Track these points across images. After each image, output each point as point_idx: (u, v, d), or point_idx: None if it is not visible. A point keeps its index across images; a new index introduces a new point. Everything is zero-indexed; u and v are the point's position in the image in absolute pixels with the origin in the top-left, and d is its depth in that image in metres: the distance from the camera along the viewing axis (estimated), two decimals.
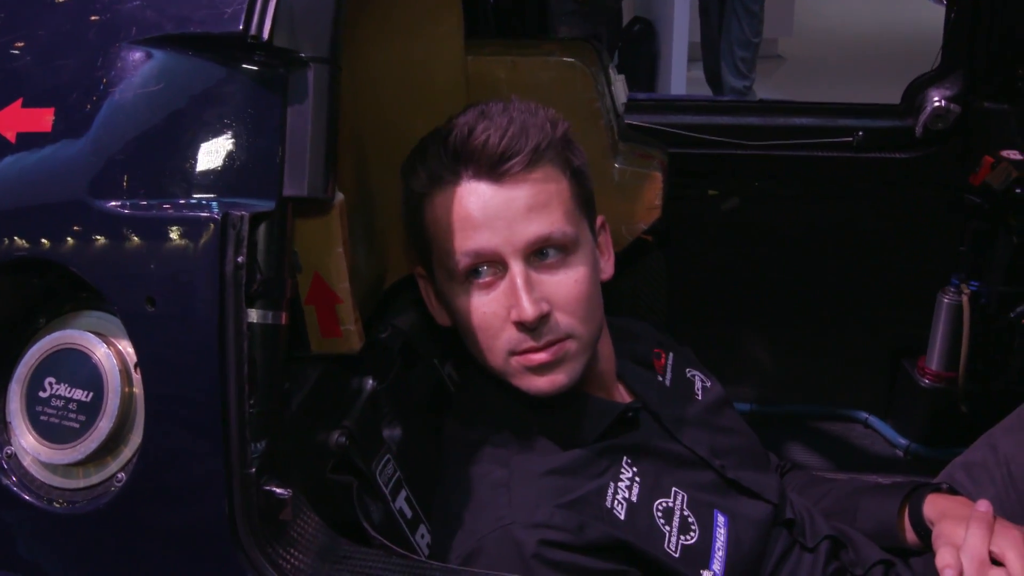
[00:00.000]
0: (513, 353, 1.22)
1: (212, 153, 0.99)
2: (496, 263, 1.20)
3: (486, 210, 1.19)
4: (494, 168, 1.19)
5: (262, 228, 0.99)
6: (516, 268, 1.19)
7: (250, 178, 0.99)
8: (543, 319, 1.19)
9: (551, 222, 1.20)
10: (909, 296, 2.23)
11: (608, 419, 1.29)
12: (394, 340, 1.40)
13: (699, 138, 2.09)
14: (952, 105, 2.03)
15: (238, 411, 0.96)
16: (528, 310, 1.17)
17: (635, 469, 1.27)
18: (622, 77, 1.68)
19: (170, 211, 0.97)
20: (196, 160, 0.99)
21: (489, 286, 1.21)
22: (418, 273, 1.36)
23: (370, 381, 1.29)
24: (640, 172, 1.61)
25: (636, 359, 1.47)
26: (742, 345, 2.37)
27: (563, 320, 1.21)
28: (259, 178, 0.99)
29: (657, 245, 1.77)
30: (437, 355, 1.51)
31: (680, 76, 5.52)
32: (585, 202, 1.29)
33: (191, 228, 0.96)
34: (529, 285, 1.19)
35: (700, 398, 1.48)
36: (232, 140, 0.99)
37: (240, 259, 0.95)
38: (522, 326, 1.19)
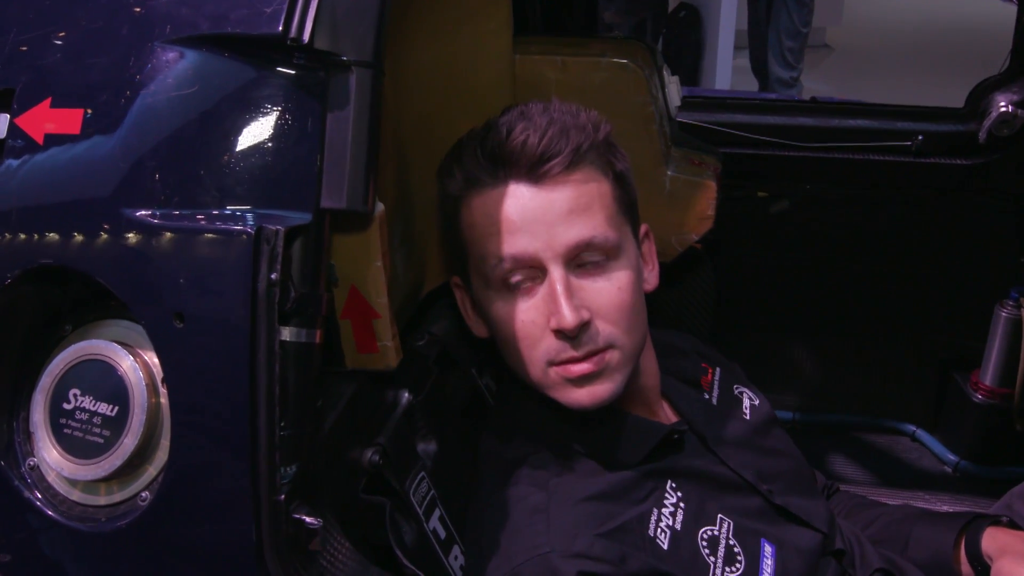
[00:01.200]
0: (552, 363, 1.17)
1: (247, 161, 0.94)
2: (535, 268, 1.16)
3: (524, 213, 1.15)
4: (533, 170, 1.15)
5: (298, 242, 0.94)
6: (556, 273, 1.15)
7: (286, 188, 0.94)
8: (583, 327, 1.14)
9: (593, 226, 1.16)
10: (964, 307, 2.17)
11: (653, 441, 1.24)
12: (431, 349, 1.36)
13: (749, 138, 2.02)
14: (1020, 111, 1.95)
15: (268, 435, 0.91)
16: (568, 317, 1.12)
17: (679, 494, 1.22)
18: (676, 79, 1.61)
19: (202, 222, 0.93)
20: (230, 168, 0.94)
21: (527, 293, 1.17)
22: (454, 283, 1.31)
23: (406, 394, 1.25)
24: (693, 181, 1.55)
25: (681, 376, 1.42)
26: (786, 351, 2.32)
27: (604, 329, 1.16)
28: (296, 188, 0.94)
29: (706, 254, 1.71)
30: (475, 364, 1.47)
31: (726, 65, 5.43)
32: (628, 208, 1.24)
33: (223, 241, 0.91)
34: (569, 291, 1.14)
35: (748, 417, 1.42)
36: (268, 147, 0.94)
37: (274, 276, 0.90)
38: (561, 334, 1.15)
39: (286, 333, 0.93)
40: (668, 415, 1.35)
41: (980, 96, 2.01)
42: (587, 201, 1.16)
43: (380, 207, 1.02)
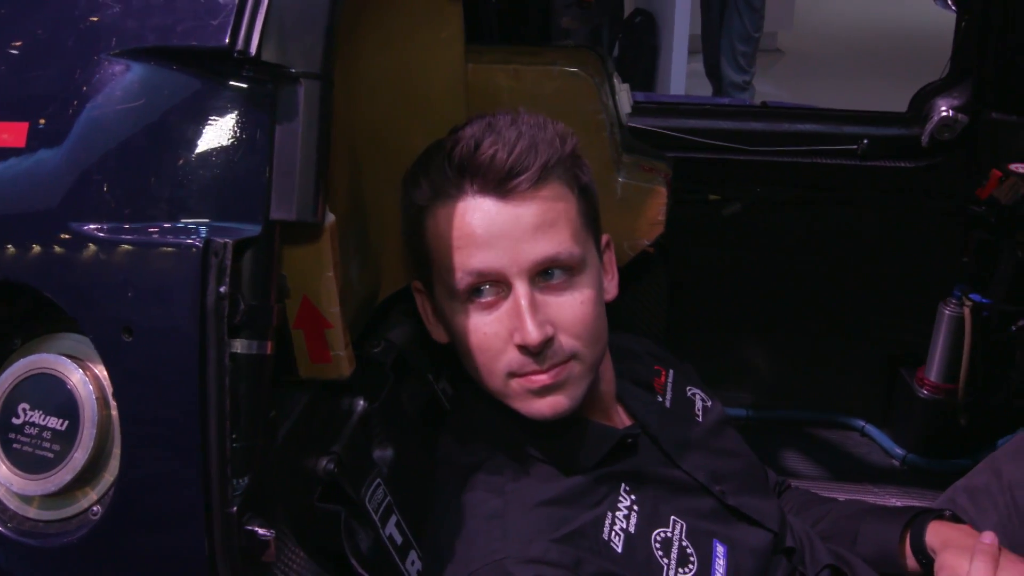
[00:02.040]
0: (513, 375, 1.16)
1: (195, 174, 0.92)
2: (499, 283, 1.15)
3: (491, 228, 1.13)
4: (501, 184, 1.13)
5: (248, 254, 0.92)
6: (521, 289, 1.13)
7: (235, 201, 0.92)
8: (547, 343, 1.14)
9: (558, 242, 1.15)
10: (909, 306, 2.19)
11: (607, 445, 1.24)
12: (387, 355, 1.35)
13: (701, 142, 2.03)
14: (960, 115, 1.97)
15: (219, 447, 0.89)
16: (532, 334, 1.12)
17: (633, 497, 1.22)
18: (626, 86, 1.61)
19: (149, 235, 0.90)
20: (178, 181, 0.92)
21: (491, 306, 1.16)
22: (415, 288, 1.30)
23: (361, 402, 1.24)
24: (644, 187, 1.55)
25: (635, 379, 1.42)
26: (739, 350, 2.33)
27: (567, 343, 1.16)
28: (245, 201, 0.92)
29: (658, 257, 1.71)
30: (431, 370, 1.45)
31: (680, 69, 5.45)
32: (592, 221, 1.24)
33: (171, 255, 0.89)
34: (534, 307, 1.13)
35: (701, 419, 1.43)
36: (216, 160, 0.92)
37: (222, 289, 0.88)
38: (525, 350, 1.14)
39: (236, 345, 0.92)
40: (623, 419, 1.35)
41: (923, 101, 2.04)
42: (553, 217, 1.15)
43: (331, 217, 1.01)
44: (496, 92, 1.46)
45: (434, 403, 1.44)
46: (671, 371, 1.50)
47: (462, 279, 1.15)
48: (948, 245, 2.10)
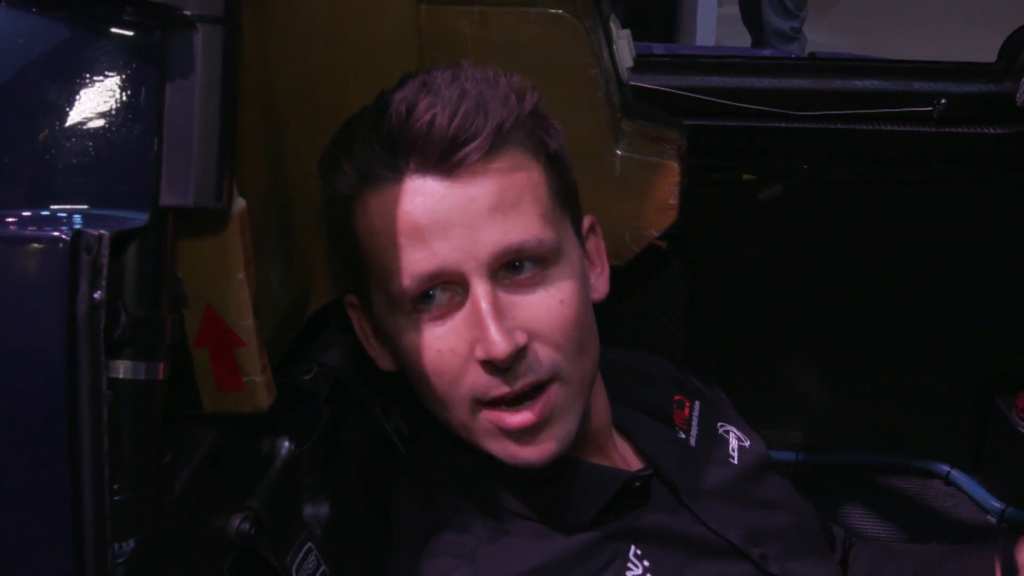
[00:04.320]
0: (480, 403, 1.18)
1: (62, 148, 0.94)
2: (453, 284, 1.16)
3: (437, 215, 1.15)
4: (444, 158, 1.15)
5: (130, 250, 0.94)
6: (480, 289, 1.15)
7: (114, 182, 0.94)
8: (519, 355, 1.15)
9: (524, 226, 1.16)
10: (1006, 315, 2.21)
11: (608, 493, 1.25)
12: (321, 384, 1.37)
13: (730, 106, 2.05)
14: None
15: (95, 501, 0.90)
16: (499, 344, 1.13)
17: (647, 564, 1.23)
18: (627, 33, 1.62)
19: (5, 227, 0.91)
20: (39, 158, 0.93)
21: (444, 316, 1.17)
22: (349, 303, 1.31)
23: (286, 443, 1.26)
24: (650, 161, 1.56)
25: (647, 409, 1.43)
26: (783, 376, 2.35)
27: (545, 355, 1.17)
28: (127, 182, 0.94)
29: (673, 254, 1.73)
30: (379, 402, 1.47)
31: (710, 13, 5.48)
32: (566, 197, 1.25)
33: (30, 252, 0.90)
34: (498, 311, 1.14)
35: (736, 462, 1.44)
36: (90, 130, 0.94)
37: (97, 295, 0.89)
38: (491, 366, 1.15)
39: (117, 368, 0.93)
40: (626, 458, 1.37)
41: (1016, 48, 2.05)
42: (515, 195, 1.17)
43: (240, 203, 1.03)
44: (457, 41, 1.47)
45: (384, 444, 1.46)
46: (697, 403, 1.52)
47: (407, 284, 1.16)
48: None
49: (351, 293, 1.30)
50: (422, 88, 1.17)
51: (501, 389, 1.16)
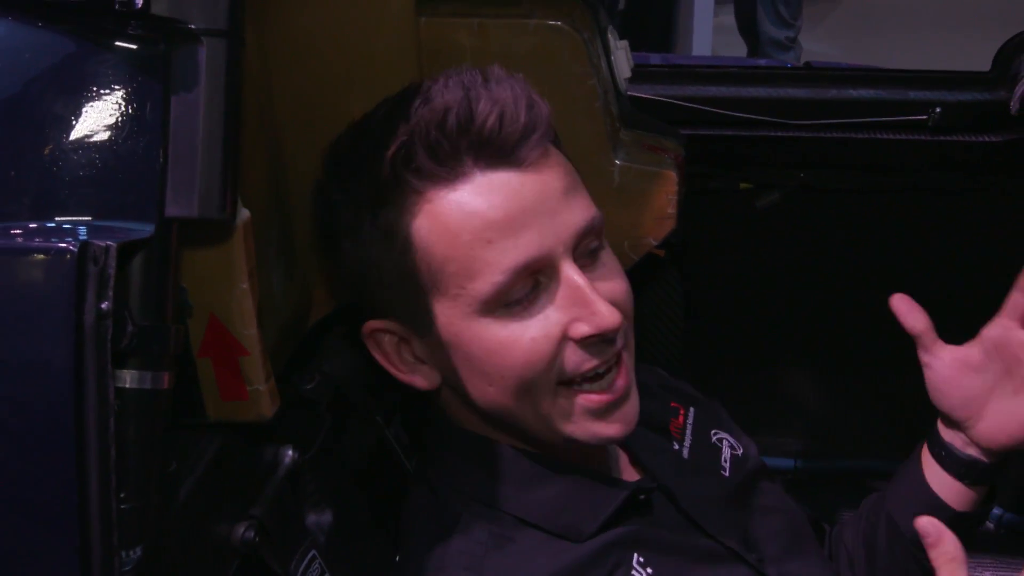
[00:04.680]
0: (563, 383, 1.20)
1: (68, 160, 0.94)
2: (539, 272, 1.18)
3: (520, 205, 1.17)
4: (514, 151, 1.17)
5: (136, 261, 0.94)
6: (570, 270, 1.18)
7: (120, 194, 0.95)
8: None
9: (587, 204, 1.23)
10: None
11: (613, 503, 1.27)
12: (322, 393, 1.38)
13: (727, 115, 2.06)
14: None
15: (102, 509, 0.91)
16: (609, 316, 1.17)
17: (649, 570, 1.24)
18: (625, 44, 1.63)
19: (10, 239, 0.92)
20: (45, 170, 0.94)
21: (529, 306, 1.19)
22: (372, 330, 1.28)
23: (289, 452, 1.26)
24: (648, 171, 1.57)
25: (648, 420, 1.43)
26: (782, 386, 2.35)
27: (624, 323, 1.22)
28: (133, 193, 0.95)
29: (671, 262, 1.73)
30: (380, 411, 1.47)
31: (706, 23, 5.50)
32: None
33: (37, 263, 0.90)
34: (593, 286, 1.19)
35: (728, 473, 1.45)
36: (95, 143, 0.95)
37: (104, 305, 0.90)
38: (590, 341, 1.18)
39: (123, 378, 0.94)
40: (627, 468, 1.38)
41: (1010, 56, 2.06)
42: (572, 177, 1.23)
43: (244, 213, 1.03)
44: (456, 52, 1.48)
45: (385, 453, 1.46)
46: (692, 410, 1.53)
47: (498, 280, 1.16)
48: None
49: (382, 318, 1.27)
50: (460, 87, 1.18)
51: (592, 361, 1.20)
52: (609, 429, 1.23)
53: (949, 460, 1.37)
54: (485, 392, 1.23)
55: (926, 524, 1.08)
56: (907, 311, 1.35)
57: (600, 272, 1.22)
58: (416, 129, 1.16)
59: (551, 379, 1.20)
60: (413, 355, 1.28)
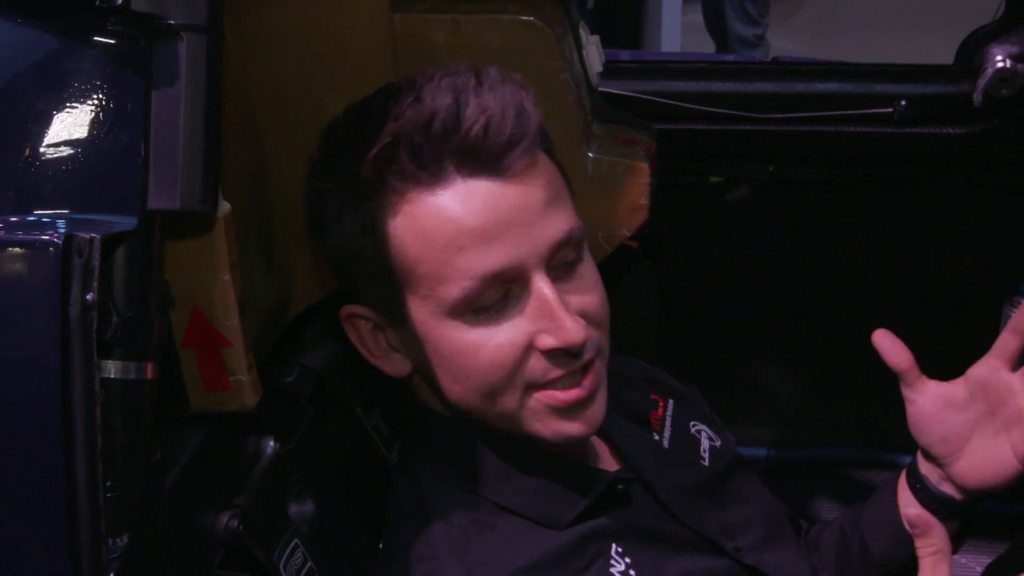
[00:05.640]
0: (532, 387, 1.21)
1: (50, 155, 0.95)
2: (511, 281, 1.18)
3: (500, 214, 1.16)
4: (499, 160, 1.16)
5: (120, 253, 0.95)
6: (541, 282, 1.18)
7: (103, 187, 0.95)
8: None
9: (567, 216, 1.22)
10: (968, 308, 2.22)
11: (593, 492, 1.28)
12: (303, 385, 1.38)
13: (696, 110, 2.07)
14: (1020, 65, 2.02)
15: (90, 498, 0.92)
16: (575, 332, 1.17)
17: (628, 560, 1.25)
18: (596, 39, 1.65)
19: None
20: (28, 164, 0.95)
21: (499, 312, 1.19)
22: (350, 314, 1.30)
23: (271, 443, 1.27)
24: (620, 163, 1.58)
25: (626, 411, 1.45)
26: (754, 373, 2.37)
27: (593, 336, 1.22)
28: (115, 187, 0.95)
29: (644, 254, 1.74)
30: (361, 403, 1.48)
31: (674, 21, 5.49)
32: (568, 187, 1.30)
33: (21, 256, 0.91)
34: (562, 300, 1.19)
35: (707, 463, 1.47)
36: (78, 137, 0.95)
37: (89, 296, 0.90)
38: (554, 354, 1.19)
39: (108, 368, 0.95)
40: (607, 457, 1.39)
41: (973, 50, 2.07)
42: (556, 188, 1.22)
43: (225, 206, 1.04)
44: (431, 48, 1.49)
45: (365, 444, 1.47)
46: (671, 401, 1.54)
47: (467, 286, 1.16)
48: (1012, 231, 2.15)
49: (359, 305, 1.29)
50: (450, 90, 1.17)
51: (558, 371, 1.20)
52: (572, 428, 1.24)
53: (923, 493, 1.35)
54: (452, 389, 1.24)
55: (916, 515, 1.10)
56: (890, 347, 1.33)
57: (575, 284, 1.22)
58: (401, 131, 1.16)
59: (517, 383, 1.21)
60: (387, 343, 1.29)
